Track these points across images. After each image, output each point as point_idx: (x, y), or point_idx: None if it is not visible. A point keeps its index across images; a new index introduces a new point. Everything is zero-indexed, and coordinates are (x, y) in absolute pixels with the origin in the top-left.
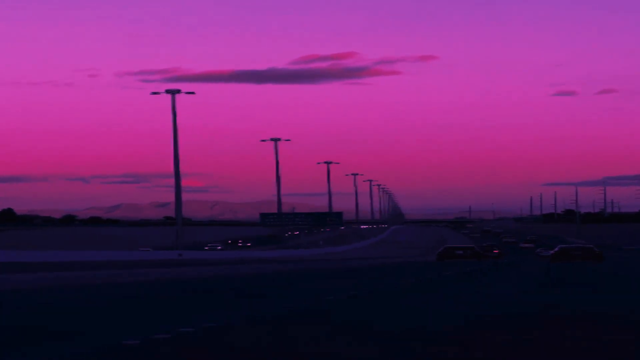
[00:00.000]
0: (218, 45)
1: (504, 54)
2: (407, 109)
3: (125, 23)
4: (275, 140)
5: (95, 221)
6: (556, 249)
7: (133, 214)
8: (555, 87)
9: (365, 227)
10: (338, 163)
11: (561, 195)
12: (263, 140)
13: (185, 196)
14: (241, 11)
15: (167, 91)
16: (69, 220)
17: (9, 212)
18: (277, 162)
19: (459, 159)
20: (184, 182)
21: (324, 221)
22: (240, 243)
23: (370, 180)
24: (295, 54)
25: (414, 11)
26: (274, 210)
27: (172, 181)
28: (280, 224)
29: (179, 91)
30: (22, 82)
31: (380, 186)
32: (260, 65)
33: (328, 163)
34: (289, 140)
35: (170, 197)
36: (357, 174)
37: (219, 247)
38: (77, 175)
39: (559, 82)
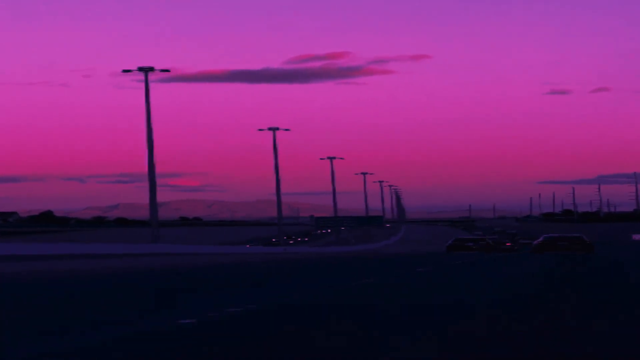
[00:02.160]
0: (213, 46)
1: (497, 53)
2: (401, 109)
3: (120, 23)
4: (274, 129)
5: (122, 222)
6: (540, 239)
7: (132, 214)
8: (549, 85)
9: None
10: (342, 158)
11: (557, 194)
12: (261, 130)
13: (182, 195)
14: (235, 11)
15: (140, 69)
16: (99, 221)
17: (48, 214)
18: (276, 154)
19: (455, 157)
20: (180, 182)
21: (368, 223)
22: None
23: (381, 181)
24: (289, 53)
25: (407, 10)
26: (272, 209)
27: (170, 181)
28: (332, 226)
29: (152, 69)
30: (17, 83)
31: (392, 187)
32: (255, 65)
33: (331, 158)
34: (288, 130)
35: (168, 197)
36: (366, 173)
37: (291, 242)
38: (72, 175)
39: (553, 81)
